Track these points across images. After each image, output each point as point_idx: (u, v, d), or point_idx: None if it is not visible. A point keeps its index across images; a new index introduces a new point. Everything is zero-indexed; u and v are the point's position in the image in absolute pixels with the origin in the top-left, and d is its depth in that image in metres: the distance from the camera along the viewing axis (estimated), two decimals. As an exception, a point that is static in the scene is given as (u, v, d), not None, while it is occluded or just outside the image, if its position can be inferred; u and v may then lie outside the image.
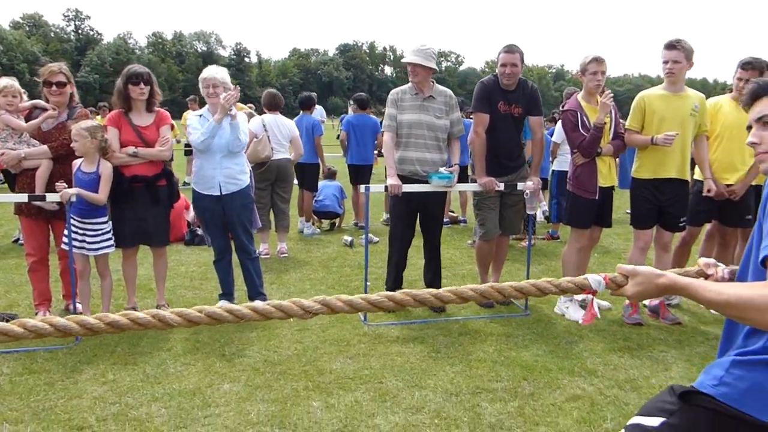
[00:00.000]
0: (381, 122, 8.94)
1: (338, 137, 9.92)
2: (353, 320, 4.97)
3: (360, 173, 8.86)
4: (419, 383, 3.84)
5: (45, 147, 4.74)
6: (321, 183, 8.90)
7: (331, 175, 9.20)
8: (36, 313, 4.93)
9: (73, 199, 4.51)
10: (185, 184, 11.58)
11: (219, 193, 4.85)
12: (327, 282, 6.07)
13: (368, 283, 5.18)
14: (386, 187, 5.05)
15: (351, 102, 9.94)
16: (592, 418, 3.41)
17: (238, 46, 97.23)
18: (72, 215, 4.69)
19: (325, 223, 9.00)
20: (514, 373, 3.99)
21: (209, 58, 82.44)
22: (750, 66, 5.00)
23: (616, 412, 3.48)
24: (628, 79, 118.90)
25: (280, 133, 7.10)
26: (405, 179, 5.12)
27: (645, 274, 1.78)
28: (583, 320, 2.19)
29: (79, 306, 4.77)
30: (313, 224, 8.69)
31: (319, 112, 15.03)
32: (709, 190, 5.00)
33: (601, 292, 1.90)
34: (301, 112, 8.62)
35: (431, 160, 5.20)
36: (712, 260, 2.11)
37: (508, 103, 5.25)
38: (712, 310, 5.26)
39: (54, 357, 4.22)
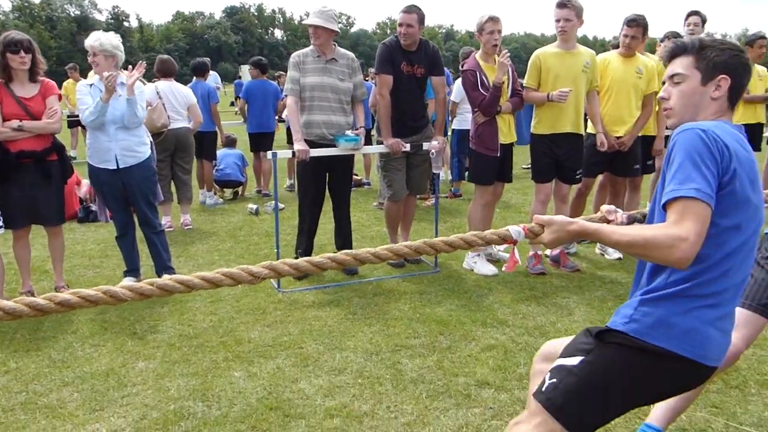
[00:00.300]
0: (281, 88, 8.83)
1: (232, 104, 9.64)
2: (266, 288, 4.92)
3: (261, 141, 8.68)
4: (339, 345, 3.88)
5: None
6: (220, 152, 8.65)
7: (230, 143, 8.95)
8: None
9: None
10: (71, 158, 10.92)
11: (116, 167, 4.61)
12: (235, 252, 5.96)
13: (278, 250, 5.13)
14: (293, 153, 4.99)
15: (246, 67, 9.66)
16: (506, 365, 3.58)
17: (116, 10, 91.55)
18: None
19: (228, 192, 8.79)
20: (431, 329, 4.10)
21: (84, 23, 77.24)
22: (635, 23, 5.28)
23: (527, 357, 3.66)
24: (514, 37, 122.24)
25: (176, 101, 6.81)
26: (312, 144, 5.06)
27: (559, 223, 1.95)
28: (506, 267, 2.36)
29: None
30: (215, 194, 8.46)
31: (213, 78, 14.51)
32: (601, 144, 5.27)
33: (521, 241, 2.00)
34: (194, 78, 8.29)
35: (337, 123, 5.16)
36: (612, 207, 2.29)
37: (410, 64, 5.28)
38: (608, 256, 5.61)
39: (-55, 349, 3.94)
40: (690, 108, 1.96)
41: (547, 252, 5.53)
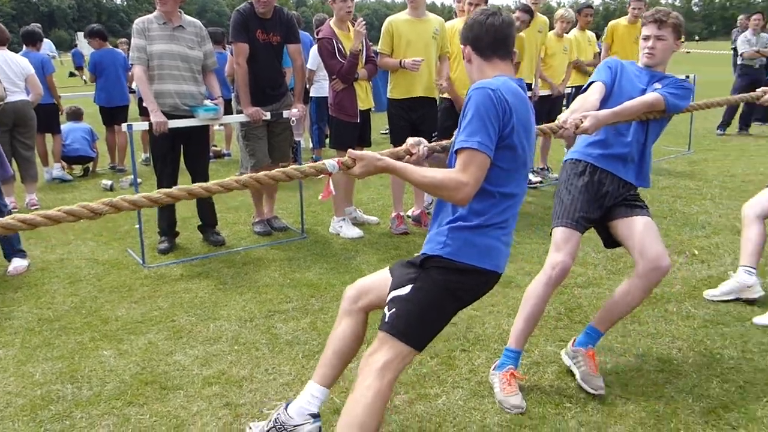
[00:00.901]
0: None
1: (71, 74, 9.06)
2: (131, 265, 4.78)
3: (115, 114, 8.24)
4: (212, 315, 3.89)
5: None
6: (65, 126, 8.11)
7: (76, 115, 8.39)
8: None
9: None
10: None
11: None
12: (92, 230, 5.68)
13: (141, 225, 4.97)
14: (150, 125, 4.82)
15: (82, 34, 9.12)
16: (377, 321, 3.76)
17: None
18: None
19: (78, 168, 8.27)
20: (302, 293, 4.21)
21: None
22: None
23: (396, 311, 3.87)
24: (366, 4, 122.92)
25: (12, 72, 6.29)
26: (166, 115, 4.90)
27: (369, 158, 2.22)
28: (321, 197, 2.55)
29: None
30: (63, 169, 7.95)
31: (47, 46, 13.46)
32: (453, 107, 5.56)
33: (335, 173, 2.24)
34: (25, 47, 7.67)
35: (189, 92, 5.03)
36: (417, 139, 2.50)
37: (266, 32, 5.24)
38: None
39: None
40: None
41: (409, 213, 5.79)
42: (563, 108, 7.56)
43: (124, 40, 12.24)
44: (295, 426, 2.51)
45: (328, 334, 3.54)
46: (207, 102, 5.06)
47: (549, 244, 3.05)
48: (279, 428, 2.52)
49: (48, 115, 7.58)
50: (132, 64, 5.03)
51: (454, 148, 2.20)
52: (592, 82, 3.10)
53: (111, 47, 8.49)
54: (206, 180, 5.30)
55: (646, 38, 3.08)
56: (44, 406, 2.95)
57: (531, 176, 7.30)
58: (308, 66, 8.15)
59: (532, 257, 4.74)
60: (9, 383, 3.16)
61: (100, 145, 8.56)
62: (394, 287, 2.28)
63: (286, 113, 5.33)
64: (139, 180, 7.50)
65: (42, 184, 7.50)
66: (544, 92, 7.14)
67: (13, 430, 2.78)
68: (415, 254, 2.39)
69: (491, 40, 2.32)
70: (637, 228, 2.95)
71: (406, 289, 2.24)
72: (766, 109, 10.22)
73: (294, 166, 2.21)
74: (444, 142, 2.54)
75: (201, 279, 4.49)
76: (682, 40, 3.17)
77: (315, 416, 2.53)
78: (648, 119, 3.05)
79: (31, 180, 6.64)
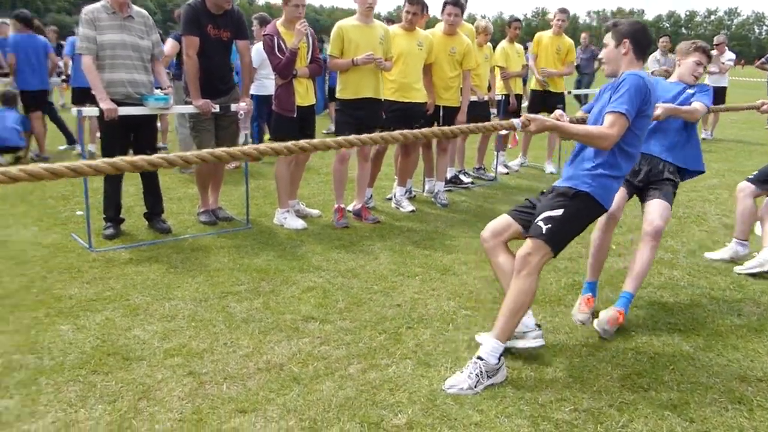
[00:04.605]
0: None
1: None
2: (77, 249, 4.82)
3: (35, 99, 8.17)
4: (167, 295, 4.01)
5: None
6: (-4, 112, 7.93)
7: (8, 100, 8.18)
8: None
9: None
10: None
11: None
12: (32, 215, 5.63)
13: (80, 213, 5.01)
14: (101, 111, 4.87)
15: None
16: (327, 302, 4.00)
17: None
18: None
19: (8, 157, 8.08)
20: (252, 277, 4.38)
21: None
22: (417, 2, 5.95)
23: (344, 294, 4.11)
24: (324, 9, 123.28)
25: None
26: (117, 103, 4.97)
27: (539, 119, 3.14)
28: (511, 145, 3.70)
29: None
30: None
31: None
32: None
33: (519, 129, 3.19)
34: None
35: (141, 81, 5.13)
36: (560, 113, 3.48)
37: (216, 27, 5.39)
38: (402, 209, 6.26)
39: None
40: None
41: (350, 207, 6.05)
42: (492, 114, 8.05)
43: (53, 27, 11.98)
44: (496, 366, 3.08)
45: (282, 314, 3.79)
46: (157, 91, 5.15)
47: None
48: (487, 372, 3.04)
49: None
50: (79, 54, 5.06)
51: (606, 111, 3.14)
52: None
53: (33, 33, 8.44)
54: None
55: (699, 63, 4.16)
56: (7, 374, 3.02)
57: (462, 177, 7.70)
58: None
59: (468, 249, 5.08)
60: (-33, 356, 3.20)
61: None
62: (546, 209, 3.16)
63: (234, 107, 5.49)
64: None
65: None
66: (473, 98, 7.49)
67: (-21, 395, 2.85)
68: (558, 184, 3.30)
69: (647, 46, 3.34)
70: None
71: (558, 212, 3.12)
72: None
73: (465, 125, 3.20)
74: (578, 115, 3.66)
75: (151, 263, 4.59)
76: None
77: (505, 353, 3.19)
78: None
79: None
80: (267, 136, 8.57)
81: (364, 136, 2.86)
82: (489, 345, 3.09)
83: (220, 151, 2.33)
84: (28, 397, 2.84)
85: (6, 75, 8.70)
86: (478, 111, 7.06)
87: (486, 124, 3.30)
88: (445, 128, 3.13)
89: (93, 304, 3.84)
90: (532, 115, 3.15)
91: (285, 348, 3.38)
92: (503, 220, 3.40)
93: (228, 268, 4.53)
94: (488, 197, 7.10)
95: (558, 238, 3.12)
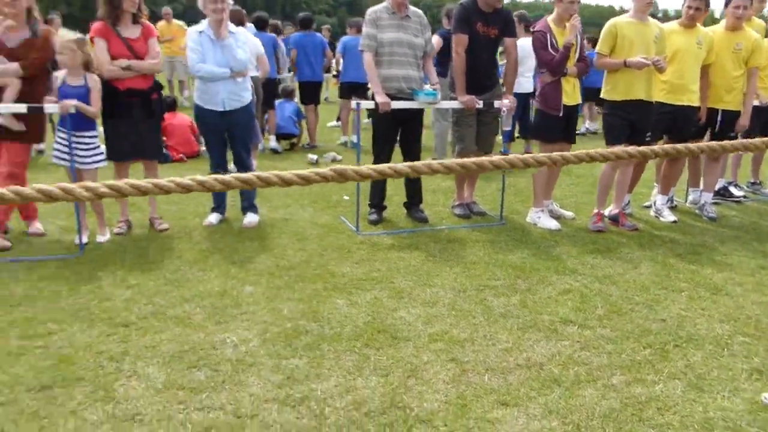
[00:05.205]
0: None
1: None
2: (346, 231, 5.26)
3: (312, 91, 9.16)
4: (427, 282, 4.22)
5: (16, 65, 4.52)
6: (278, 102, 8.93)
7: (287, 93, 9.20)
8: None
9: (72, 110, 4.48)
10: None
11: (222, 109, 4.92)
12: (308, 197, 6.26)
13: (346, 197, 5.42)
14: (376, 104, 5.25)
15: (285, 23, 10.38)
16: (585, 307, 3.90)
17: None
18: (62, 129, 4.67)
19: (284, 143, 9.09)
20: (508, 273, 4.42)
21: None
22: None
23: (603, 301, 3.98)
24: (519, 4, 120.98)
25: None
26: (390, 97, 5.31)
27: None
28: None
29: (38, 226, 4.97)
30: (277, 141, 8.85)
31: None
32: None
33: None
34: (256, 29, 8.59)
35: (413, 77, 5.42)
36: None
37: (486, 25, 5.50)
38: (662, 219, 5.86)
39: (66, 265, 4.32)
40: None
41: (606, 212, 5.81)
42: None
43: (327, 26, 13.24)
44: None
45: (539, 314, 3.78)
46: (427, 86, 5.42)
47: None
48: None
49: (267, 91, 8.42)
50: (361, 50, 5.49)
51: None
52: None
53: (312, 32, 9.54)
54: (417, 160, 5.72)
55: None
56: (296, 337, 3.41)
57: (733, 189, 6.98)
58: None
59: (743, 269, 4.60)
60: (263, 314, 3.66)
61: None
62: None
63: (497, 103, 5.56)
64: (339, 157, 8.16)
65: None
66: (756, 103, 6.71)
67: (275, 352, 3.24)
68: None
69: None
70: None
71: None
72: None
73: None
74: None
75: (411, 250, 4.85)
76: None
77: None
78: None
79: (254, 147, 7.41)
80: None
81: (631, 149, 2.54)
82: None
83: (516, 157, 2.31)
84: (313, 360, 3.18)
85: (288, 70, 9.78)
86: (767, 117, 6.33)
87: None
88: (730, 143, 2.45)
89: (362, 283, 4.17)
90: None
91: (544, 348, 3.37)
92: None
93: (484, 262, 4.62)
94: (764, 214, 6.36)
95: None
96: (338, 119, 10.85)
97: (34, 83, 4.62)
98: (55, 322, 3.48)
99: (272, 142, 8.71)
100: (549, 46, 5.40)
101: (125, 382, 2.95)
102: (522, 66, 7.35)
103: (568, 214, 5.90)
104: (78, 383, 2.92)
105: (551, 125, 5.57)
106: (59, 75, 4.68)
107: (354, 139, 9.38)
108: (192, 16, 13.95)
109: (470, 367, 3.16)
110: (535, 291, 4.13)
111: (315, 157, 8.09)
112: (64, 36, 4.88)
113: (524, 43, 6.83)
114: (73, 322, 3.50)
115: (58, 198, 1.52)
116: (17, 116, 4.51)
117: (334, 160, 8.11)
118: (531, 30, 5.94)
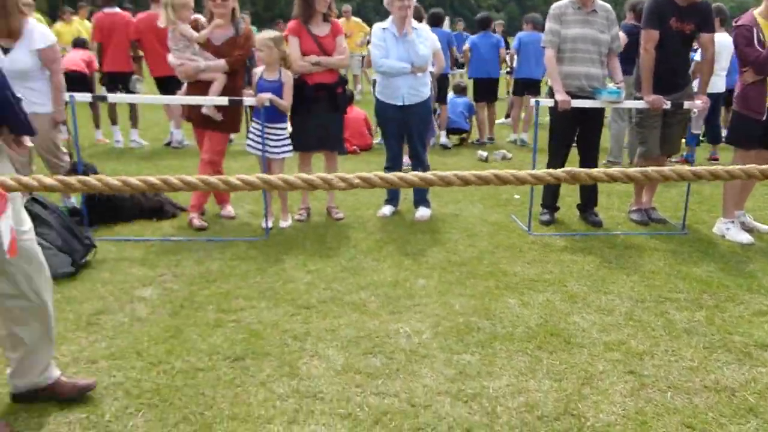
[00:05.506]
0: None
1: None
2: (517, 230, 5.20)
3: (487, 88, 9.08)
4: (602, 289, 4.06)
5: (222, 61, 4.94)
6: (449, 98, 9.01)
7: (459, 90, 9.25)
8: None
9: (267, 103, 4.82)
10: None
11: (402, 103, 5.06)
12: (478, 194, 6.26)
13: (517, 196, 5.34)
14: (555, 103, 5.12)
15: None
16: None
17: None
18: (257, 120, 5.04)
19: (454, 138, 9.16)
20: (692, 286, 4.13)
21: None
22: None
23: (805, 327, 3.60)
24: None
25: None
26: (570, 95, 5.15)
27: None
28: None
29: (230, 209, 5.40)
30: (447, 136, 8.95)
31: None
32: None
33: None
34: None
35: (595, 75, 5.20)
36: None
37: (680, 20, 5.15)
38: None
39: (254, 247, 4.67)
40: None
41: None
42: None
43: (500, 22, 13.08)
44: None
45: (730, 334, 3.50)
46: (610, 85, 5.19)
47: None
48: None
49: (439, 86, 8.50)
50: (543, 47, 5.37)
51: None
52: None
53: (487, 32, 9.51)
54: (595, 162, 5.50)
55: None
56: (467, 333, 3.43)
57: None
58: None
59: None
60: (435, 308, 3.73)
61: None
62: None
63: (687, 104, 5.20)
64: (509, 155, 8.07)
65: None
66: None
67: (447, 346, 3.29)
68: None
69: None
70: None
71: None
72: None
73: None
74: None
75: (585, 254, 4.69)
76: None
77: None
78: None
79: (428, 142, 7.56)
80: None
81: None
82: None
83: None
84: (485, 358, 3.19)
85: (461, 66, 9.83)
86: None
87: None
88: None
89: (534, 284, 4.10)
90: None
91: (736, 372, 3.11)
92: None
93: (664, 273, 4.35)
94: None
95: None
96: (507, 116, 10.73)
97: (235, 78, 5.04)
98: (246, 299, 3.79)
99: (443, 138, 8.79)
100: (755, 42, 4.95)
101: (308, 360, 3.14)
102: (716, 64, 6.81)
103: (764, 227, 5.39)
104: (266, 357, 3.16)
105: (751, 130, 5.10)
106: (257, 71, 5.06)
107: (524, 137, 9.26)
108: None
109: (650, 382, 3.00)
110: (724, 308, 3.82)
111: (485, 153, 8.05)
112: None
113: (720, 39, 6.32)
114: (261, 299, 3.79)
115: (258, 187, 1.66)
116: (217, 107, 4.93)
117: (504, 158, 8.03)
118: (734, 24, 5.48)
